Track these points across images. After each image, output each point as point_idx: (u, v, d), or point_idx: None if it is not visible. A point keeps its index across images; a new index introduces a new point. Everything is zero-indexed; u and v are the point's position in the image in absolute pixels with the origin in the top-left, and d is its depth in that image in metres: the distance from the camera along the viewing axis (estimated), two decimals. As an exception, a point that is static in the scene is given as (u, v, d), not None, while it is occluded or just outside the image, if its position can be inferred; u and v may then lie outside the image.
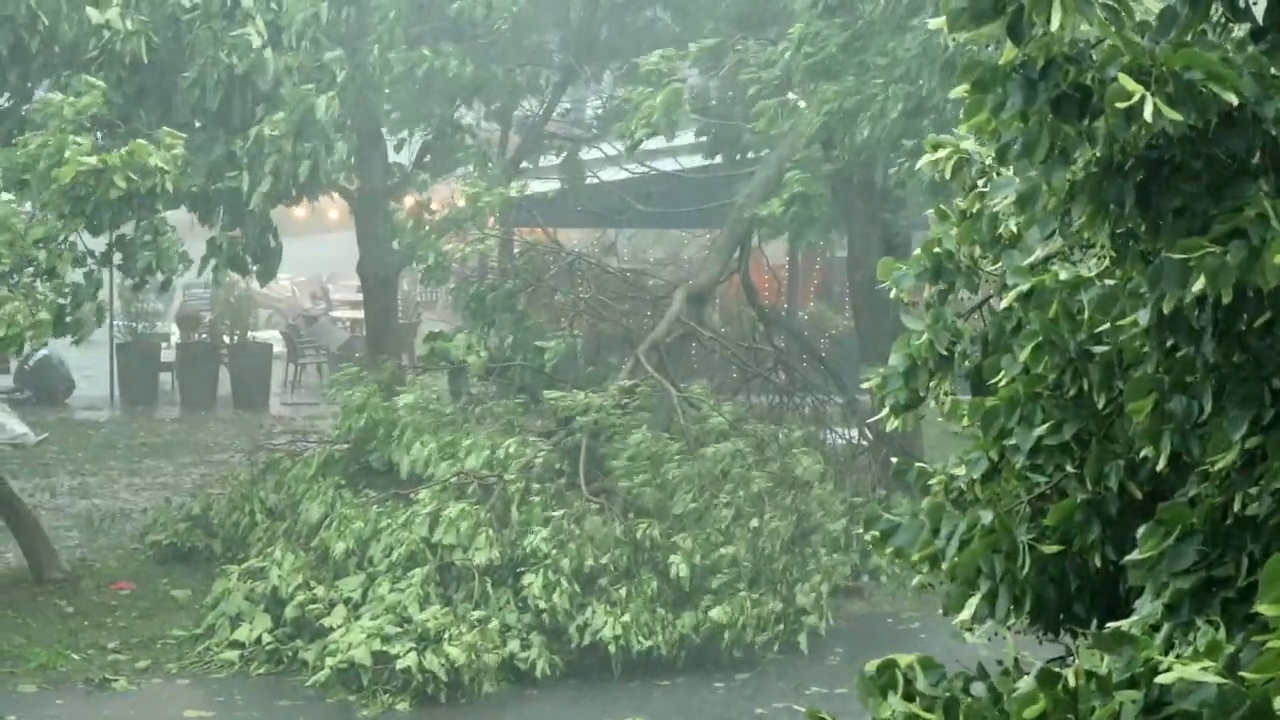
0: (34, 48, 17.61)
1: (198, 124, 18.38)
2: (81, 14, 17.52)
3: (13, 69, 17.89)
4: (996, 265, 6.61)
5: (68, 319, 16.56)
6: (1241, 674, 4.84)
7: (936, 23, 5.51)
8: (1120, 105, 5.11)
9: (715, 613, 16.83)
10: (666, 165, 26.98)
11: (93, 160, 15.99)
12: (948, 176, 6.73)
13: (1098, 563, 5.96)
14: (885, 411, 6.83)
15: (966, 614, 6.03)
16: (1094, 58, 5.24)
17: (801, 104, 19.13)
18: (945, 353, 6.64)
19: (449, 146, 24.24)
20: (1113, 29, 5.17)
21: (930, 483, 6.64)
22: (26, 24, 17.58)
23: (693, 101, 21.68)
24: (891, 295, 7.00)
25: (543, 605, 16.53)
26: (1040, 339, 6.08)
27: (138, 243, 17.18)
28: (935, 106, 16.49)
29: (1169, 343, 5.56)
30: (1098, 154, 5.35)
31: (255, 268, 19.43)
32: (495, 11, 22.25)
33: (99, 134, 17.08)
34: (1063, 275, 6.14)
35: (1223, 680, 4.87)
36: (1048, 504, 6.09)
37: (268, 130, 17.80)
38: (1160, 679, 4.99)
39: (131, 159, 16.06)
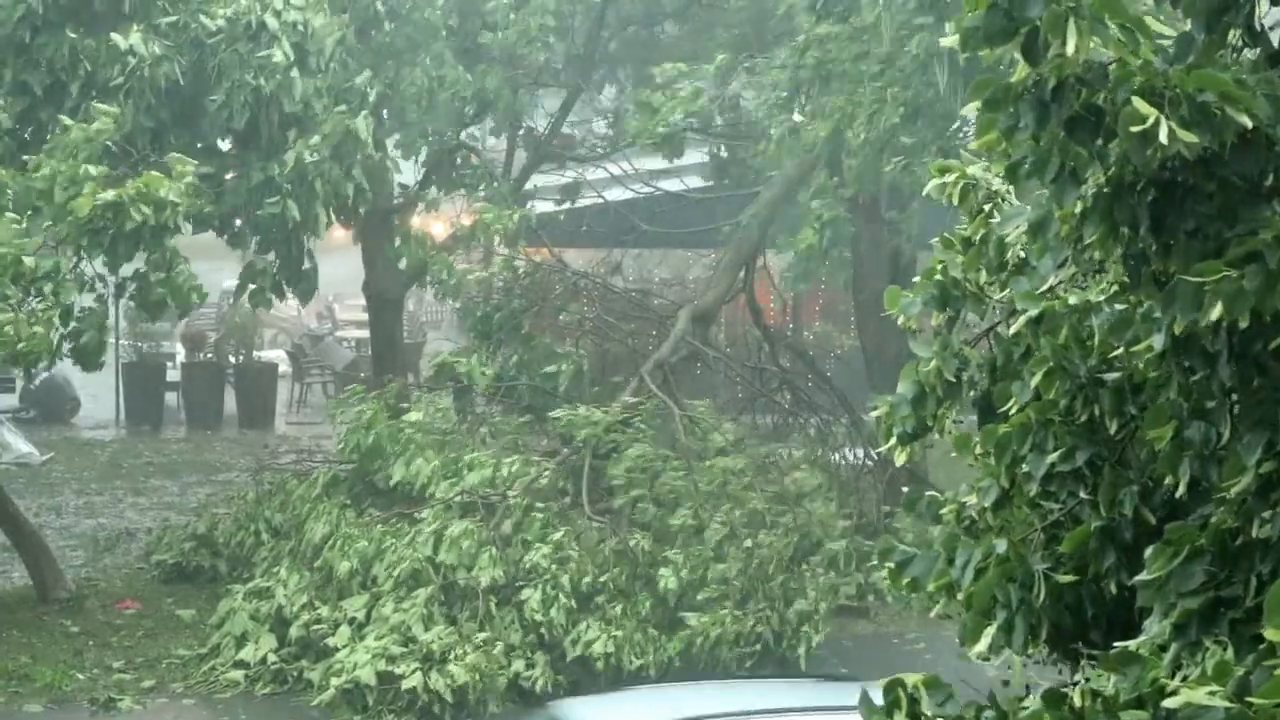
0: (74, 91, 17.62)
1: (227, 147, 18.40)
2: (110, 45, 17.56)
3: (46, 108, 17.89)
4: (1004, 292, 6.59)
5: (83, 341, 16.58)
6: (1249, 699, 4.82)
7: (950, 40, 5.49)
8: (1135, 129, 5.10)
9: (692, 619, 16.75)
10: (672, 185, 26.98)
11: (110, 195, 15.99)
12: (955, 202, 6.71)
13: (1113, 589, 5.93)
14: (892, 442, 6.79)
15: (983, 645, 5.97)
16: (1107, 79, 5.24)
17: (798, 117, 19.13)
18: (953, 380, 6.62)
19: (456, 165, 24.27)
20: (1129, 51, 5.16)
21: (941, 511, 6.62)
22: (68, 66, 17.61)
23: (699, 123, 21.73)
24: (899, 323, 6.97)
25: (540, 618, 16.51)
26: (1051, 364, 6.06)
27: (151, 278, 17.17)
28: (931, 106, 16.58)
29: (1185, 365, 5.53)
30: (1109, 175, 5.34)
31: (292, 291, 19.50)
32: (533, 45, 22.35)
33: (113, 164, 17.06)
34: (1072, 300, 6.11)
35: (1230, 704, 4.85)
36: (1062, 531, 6.05)
37: (308, 155, 17.81)
38: (1168, 703, 4.97)
39: (147, 191, 16.06)
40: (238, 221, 18.90)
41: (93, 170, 16.27)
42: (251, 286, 19.20)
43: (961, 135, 16.36)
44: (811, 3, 18.49)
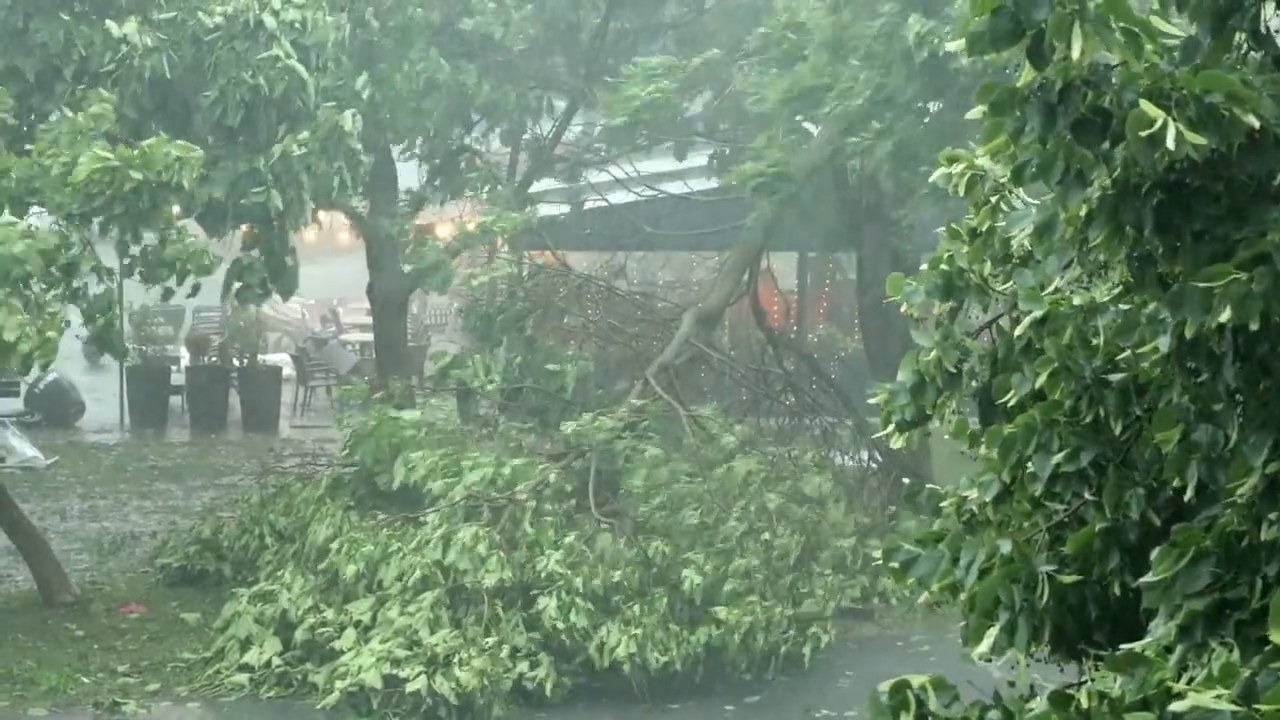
0: (67, 76, 17.64)
1: (215, 140, 18.44)
2: (104, 33, 17.61)
3: (38, 94, 17.92)
4: (1008, 284, 6.59)
5: (99, 324, 16.62)
6: (1257, 706, 4.82)
7: (955, 45, 5.49)
8: (1142, 132, 5.09)
9: (721, 612, 16.77)
10: (675, 188, 27.00)
11: (108, 156, 16.01)
12: (961, 193, 6.71)
13: (1117, 591, 5.92)
14: (890, 428, 6.80)
15: (985, 646, 5.97)
16: (1113, 81, 5.23)
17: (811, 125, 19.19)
18: (953, 370, 6.62)
19: (459, 168, 24.29)
20: (1134, 53, 5.15)
21: (941, 505, 6.62)
22: (61, 53, 17.63)
23: (700, 125, 21.77)
24: (902, 311, 6.97)
25: (560, 626, 16.51)
26: (1056, 365, 6.05)
27: (163, 250, 17.20)
28: (896, 97, 16.74)
29: (1191, 367, 5.53)
30: (1114, 177, 5.33)
31: (274, 287, 19.51)
32: (511, 31, 22.32)
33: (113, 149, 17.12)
34: (1076, 300, 6.11)
35: (1236, 708, 4.85)
36: (1066, 532, 6.04)
37: (296, 149, 17.83)
38: (1174, 706, 4.97)
39: (146, 155, 16.09)
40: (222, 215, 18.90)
41: (95, 146, 16.32)
42: (238, 284, 19.20)
43: (969, 135, 16.48)
44: None
